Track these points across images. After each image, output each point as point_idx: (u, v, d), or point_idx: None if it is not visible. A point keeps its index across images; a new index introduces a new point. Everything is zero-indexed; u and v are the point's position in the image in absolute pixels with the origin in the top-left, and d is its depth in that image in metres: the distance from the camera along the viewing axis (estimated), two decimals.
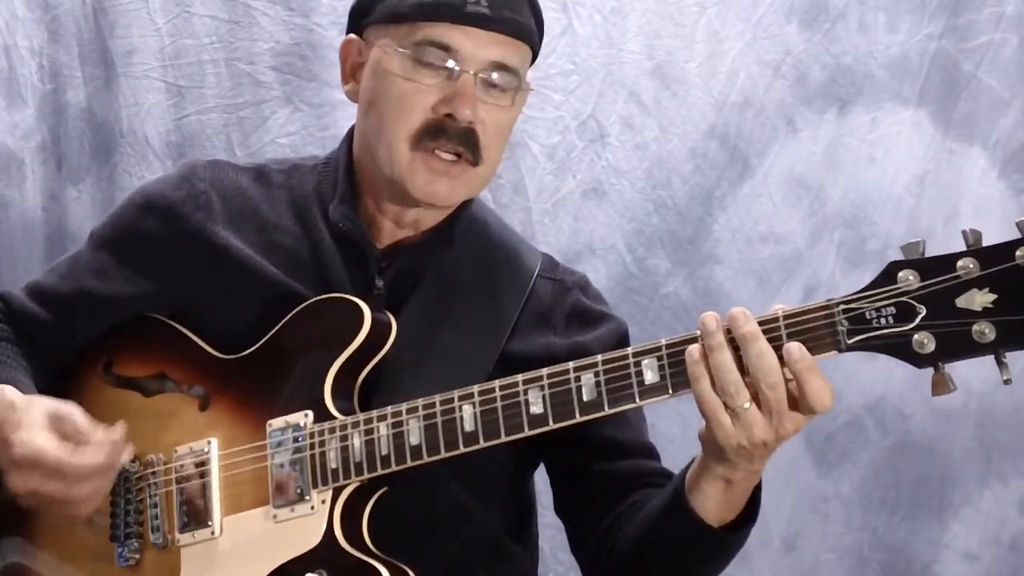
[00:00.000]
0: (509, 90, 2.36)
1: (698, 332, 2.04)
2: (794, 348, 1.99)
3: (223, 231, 2.42)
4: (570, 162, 3.61)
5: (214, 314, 2.41)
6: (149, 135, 3.63)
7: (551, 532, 2.71)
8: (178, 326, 2.43)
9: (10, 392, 2.30)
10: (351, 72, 2.45)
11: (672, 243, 3.58)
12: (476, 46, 2.32)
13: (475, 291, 2.45)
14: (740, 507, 2.17)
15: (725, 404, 2.02)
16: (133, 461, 2.37)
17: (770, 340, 2.00)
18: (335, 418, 2.26)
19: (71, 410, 2.28)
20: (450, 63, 2.32)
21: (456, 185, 2.36)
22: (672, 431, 3.32)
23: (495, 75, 2.34)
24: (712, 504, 2.15)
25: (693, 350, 2.03)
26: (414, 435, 2.20)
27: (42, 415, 2.26)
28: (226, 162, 2.53)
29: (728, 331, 2.02)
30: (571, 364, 2.12)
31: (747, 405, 2.01)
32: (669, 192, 3.59)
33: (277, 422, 2.29)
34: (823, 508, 3.53)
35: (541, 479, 2.51)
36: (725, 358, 2.01)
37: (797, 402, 2.01)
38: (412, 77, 2.33)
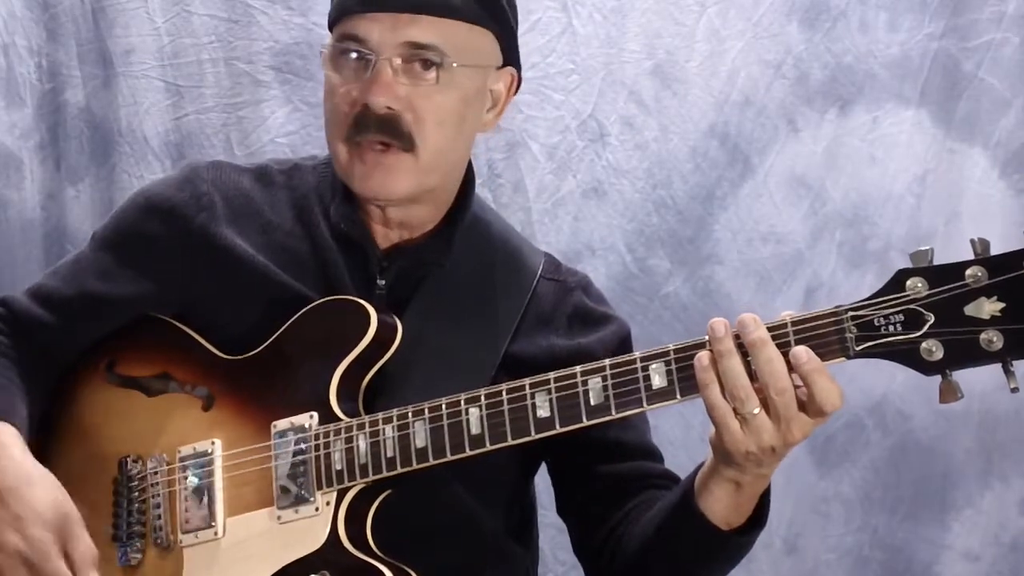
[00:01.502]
0: (433, 69, 2.32)
1: (705, 337, 2.04)
2: (801, 351, 1.99)
3: (226, 232, 2.41)
4: (570, 162, 3.60)
5: (217, 315, 2.41)
6: (148, 135, 3.62)
7: (551, 532, 2.71)
8: (182, 326, 2.43)
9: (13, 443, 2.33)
10: None
11: (672, 243, 3.58)
12: (383, 31, 2.30)
13: (477, 292, 2.44)
14: (749, 511, 2.17)
15: (735, 410, 2.02)
16: (136, 461, 2.38)
17: (778, 346, 2.01)
18: (340, 420, 2.26)
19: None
20: (364, 53, 2.31)
21: (393, 176, 2.33)
22: (674, 432, 3.32)
23: (413, 55, 2.31)
24: (721, 506, 2.15)
25: (703, 356, 2.03)
26: (420, 438, 2.19)
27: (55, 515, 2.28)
28: (228, 163, 2.52)
29: (737, 336, 2.02)
30: (578, 368, 2.12)
31: (756, 411, 2.01)
32: (669, 192, 3.59)
33: (282, 423, 2.29)
34: (824, 509, 3.53)
35: (541, 479, 2.51)
36: (735, 364, 2.01)
37: (805, 405, 2.02)
38: (336, 75, 2.34)
